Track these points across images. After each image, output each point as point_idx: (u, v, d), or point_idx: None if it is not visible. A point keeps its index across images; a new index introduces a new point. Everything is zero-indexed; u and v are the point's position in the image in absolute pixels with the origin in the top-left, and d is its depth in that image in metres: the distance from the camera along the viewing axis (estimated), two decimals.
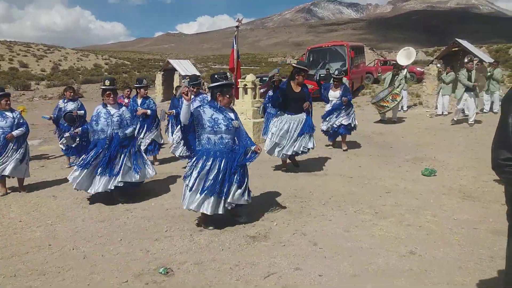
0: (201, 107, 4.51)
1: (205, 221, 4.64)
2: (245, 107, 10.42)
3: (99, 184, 5.43)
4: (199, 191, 4.41)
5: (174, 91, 9.97)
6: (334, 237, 4.29)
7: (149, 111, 7.71)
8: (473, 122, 10.97)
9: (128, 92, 8.81)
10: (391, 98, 11.52)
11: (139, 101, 7.88)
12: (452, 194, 5.56)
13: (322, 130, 8.76)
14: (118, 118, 5.59)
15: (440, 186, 5.92)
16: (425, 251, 3.88)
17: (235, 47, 11.39)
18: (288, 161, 7.11)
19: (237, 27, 11.50)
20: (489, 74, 12.64)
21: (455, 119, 11.44)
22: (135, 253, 4.07)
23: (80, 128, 5.81)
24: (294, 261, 3.78)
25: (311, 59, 20.69)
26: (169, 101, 21.05)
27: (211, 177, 4.38)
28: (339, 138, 8.86)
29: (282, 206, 5.28)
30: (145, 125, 7.75)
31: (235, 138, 4.58)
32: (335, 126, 8.45)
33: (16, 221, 5.09)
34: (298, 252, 3.96)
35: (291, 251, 4.00)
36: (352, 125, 8.45)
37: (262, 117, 10.31)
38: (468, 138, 9.50)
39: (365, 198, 5.53)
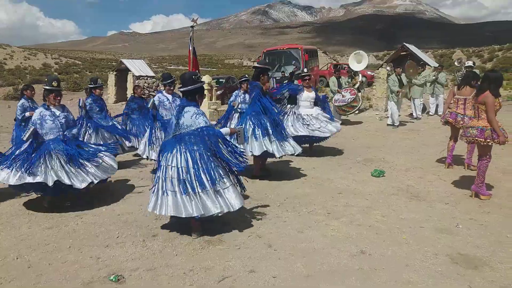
0: (203, 115, 4.42)
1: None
2: (202, 108, 10.35)
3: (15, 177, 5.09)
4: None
5: (132, 91, 9.69)
6: (289, 239, 4.35)
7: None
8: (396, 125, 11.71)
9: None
10: (358, 98, 11.98)
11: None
12: (400, 194, 5.80)
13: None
14: (65, 119, 5.41)
15: (389, 187, 6.15)
16: (374, 250, 4.02)
17: (191, 48, 11.26)
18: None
19: (192, 27, 11.37)
20: (434, 78, 13.30)
21: (396, 123, 11.87)
22: (85, 260, 3.93)
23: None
24: (249, 264, 3.80)
25: (266, 61, 20.92)
26: (122, 102, 20.46)
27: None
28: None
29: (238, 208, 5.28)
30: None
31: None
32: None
33: None
34: (252, 255, 3.98)
35: (246, 253, 4.01)
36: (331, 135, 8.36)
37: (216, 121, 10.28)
38: (415, 140, 9.95)
39: (318, 199, 5.65)
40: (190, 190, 4.19)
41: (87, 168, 5.38)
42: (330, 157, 8.33)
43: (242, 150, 4.75)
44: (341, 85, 12.95)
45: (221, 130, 4.49)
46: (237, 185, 4.55)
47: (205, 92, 10.73)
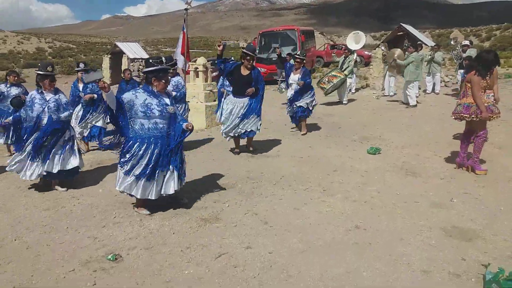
0: (134, 91, 4.37)
1: (140, 206, 4.60)
2: (197, 90, 10.29)
3: (32, 171, 5.23)
4: (131, 175, 4.35)
5: (122, 74, 9.65)
6: (284, 215, 4.39)
7: (95, 95, 7.41)
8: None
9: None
10: (327, 79, 11.83)
11: (81, 86, 7.52)
12: (395, 171, 5.83)
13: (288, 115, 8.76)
14: (55, 103, 5.35)
15: (385, 164, 6.18)
16: (369, 225, 4.06)
17: (185, 30, 11.11)
18: (240, 143, 7.13)
19: (186, 9, 11.23)
20: (430, 57, 13.21)
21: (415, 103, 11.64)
22: (82, 240, 3.96)
23: (11, 118, 5.58)
24: (245, 240, 3.83)
25: (262, 43, 20.75)
26: (117, 85, 20.39)
27: (143, 163, 4.31)
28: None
29: (234, 187, 5.31)
30: (91, 110, 7.47)
31: (170, 123, 4.44)
32: (294, 109, 8.42)
33: None
34: (249, 232, 4.02)
35: (242, 231, 4.05)
36: (310, 108, 8.43)
37: (214, 100, 10.25)
38: (412, 117, 9.94)
39: (314, 176, 5.67)
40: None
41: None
42: (326, 136, 8.32)
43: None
44: (343, 65, 12.86)
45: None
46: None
47: (201, 73, 10.67)
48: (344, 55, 13.19)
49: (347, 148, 7.23)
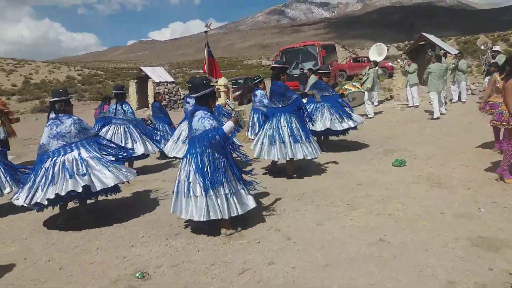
0: (212, 117, 4.42)
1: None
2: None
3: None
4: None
5: (154, 98, 10.04)
6: (307, 231, 4.41)
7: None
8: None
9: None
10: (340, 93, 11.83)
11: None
12: (420, 183, 5.76)
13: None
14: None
15: (409, 176, 6.11)
16: (393, 238, 4.03)
17: (206, 52, 11.39)
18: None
19: (206, 32, 11.55)
20: (453, 65, 13.03)
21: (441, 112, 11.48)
22: (112, 260, 4.09)
23: None
24: (268, 256, 3.88)
25: (284, 59, 20.95)
26: (145, 109, 20.88)
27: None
28: None
29: (257, 203, 5.37)
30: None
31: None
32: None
33: None
34: (272, 248, 4.06)
35: (266, 247, 4.09)
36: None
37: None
38: (438, 128, 9.79)
39: (337, 191, 5.67)
40: (191, 193, 4.32)
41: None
42: (350, 150, 8.30)
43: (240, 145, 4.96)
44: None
45: (223, 127, 4.45)
46: (245, 189, 4.55)
47: (222, 93, 10.89)
48: (368, 67, 13.19)
49: (371, 162, 7.19)
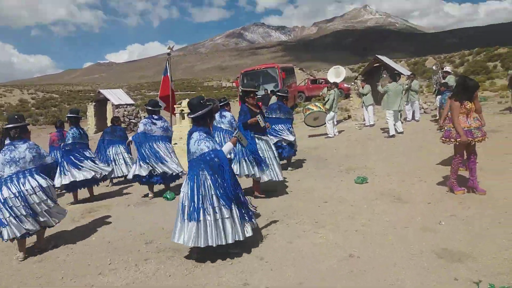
0: (209, 139, 4.32)
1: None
2: (183, 131, 10.43)
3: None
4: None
5: (111, 122, 9.88)
6: (279, 249, 4.44)
7: None
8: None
9: None
10: (303, 111, 12.24)
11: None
12: (383, 199, 5.96)
13: None
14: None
15: (372, 192, 6.32)
16: (362, 253, 4.14)
17: (168, 74, 11.39)
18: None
19: (168, 54, 11.57)
20: (407, 86, 13.71)
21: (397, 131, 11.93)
22: None
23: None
24: (242, 277, 3.87)
25: (245, 81, 21.22)
26: (101, 133, 20.41)
27: None
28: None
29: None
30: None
31: None
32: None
33: None
34: (245, 268, 4.06)
35: (239, 268, 4.09)
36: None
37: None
38: (394, 146, 10.20)
39: (305, 209, 5.77)
40: (186, 217, 4.22)
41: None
42: (313, 168, 8.48)
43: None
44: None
45: (223, 148, 4.37)
46: (243, 216, 4.42)
47: (186, 115, 10.86)
48: (327, 88, 13.60)
49: (334, 179, 7.38)
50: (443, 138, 5.84)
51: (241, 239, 4.30)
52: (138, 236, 5.32)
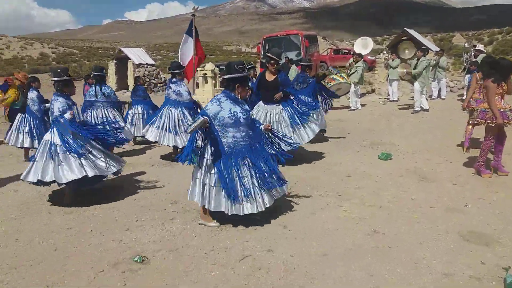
0: (217, 101, 4.15)
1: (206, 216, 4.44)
2: (206, 96, 10.42)
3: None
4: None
5: (135, 81, 9.92)
6: (302, 220, 4.48)
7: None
8: (418, 109, 11.46)
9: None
10: (326, 81, 11.90)
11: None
12: (408, 176, 5.92)
13: None
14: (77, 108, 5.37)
15: (397, 169, 6.27)
16: (388, 230, 4.15)
17: (193, 36, 11.23)
18: None
19: (193, 15, 11.39)
20: (435, 62, 13.33)
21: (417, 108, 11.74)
22: (108, 243, 4.06)
23: None
24: (266, 244, 3.93)
25: (266, 47, 20.87)
26: (124, 91, 20.43)
27: (233, 175, 4.15)
28: None
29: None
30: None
31: (252, 129, 4.36)
32: None
33: None
34: (269, 235, 4.11)
35: (263, 234, 4.14)
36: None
37: None
38: (419, 123, 10.05)
39: (328, 182, 5.77)
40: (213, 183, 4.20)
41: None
42: (336, 141, 8.43)
43: None
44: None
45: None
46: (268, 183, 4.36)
47: (209, 79, 10.80)
48: (352, 59, 13.29)
49: (358, 154, 7.33)
50: (479, 119, 5.70)
51: (268, 206, 4.31)
52: (163, 195, 5.42)
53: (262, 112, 6.57)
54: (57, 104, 5.12)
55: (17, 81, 8.15)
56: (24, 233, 4.36)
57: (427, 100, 11.83)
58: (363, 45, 15.13)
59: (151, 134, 7.15)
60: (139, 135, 8.92)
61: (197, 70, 10.81)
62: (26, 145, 7.60)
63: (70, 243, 4.06)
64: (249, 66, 8.18)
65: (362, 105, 13.26)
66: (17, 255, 3.84)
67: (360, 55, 13.28)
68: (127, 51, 22.16)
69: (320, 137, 8.70)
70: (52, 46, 50.58)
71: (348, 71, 12.82)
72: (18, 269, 3.57)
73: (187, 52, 10.91)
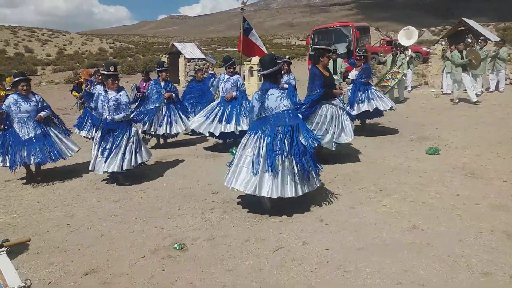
0: (286, 97, 4.49)
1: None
2: (251, 89, 10.53)
3: (101, 166, 5.67)
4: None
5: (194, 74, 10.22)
6: (340, 214, 4.47)
7: (173, 95, 7.97)
8: (475, 100, 11.01)
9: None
10: (390, 76, 11.51)
11: (162, 84, 8.06)
12: (455, 172, 5.70)
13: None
14: (114, 102, 5.66)
15: (444, 164, 6.05)
16: (427, 226, 4.04)
17: (242, 30, 11.31)
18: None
19: (242, 9, 11.49)
20: (494, 53, 12.57)
21: (456, 100, 11.47)
22: (150, 230, 4.27)
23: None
24: (302, 236, 3.97)
25: (316, 39, 20.63)
26: (176, 84, 21.11)
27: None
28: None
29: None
30: (172, 111, 8.01)
31: None
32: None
33: (34, 202, 5.31)
34: (305, 228, 4.14)
35: (298, 226, 4.18)
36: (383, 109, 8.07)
37: None
38: (473, 117, 9.57)
39: (370, 176, 5.68)
40: (259, 168, 4.28)
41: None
42: (382, 136, 8.24)
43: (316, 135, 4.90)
44: (394, 63, 12.61)
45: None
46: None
47: (255, 72, 10.90)
48: (392, 53, 12.87)
49: (404, 149, 7.13)
50: None
51: (308, 190, 4.45)
52: (205, 186, 5.60)
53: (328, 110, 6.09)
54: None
55: (83, 79, 9.03)
56: (75, 219, 4.69)
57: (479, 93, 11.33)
58: (406, 36, 14.48)
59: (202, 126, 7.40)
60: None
61: (244, 64, 10.92)
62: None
63: (115, 230, 4.32)
64: (285, 60, 8.23)
65: (408, 98, 12.81)
66: (68, 239, 4.15)
67: (395, 47, 12.86)
68: (179, 45, 22.75)
69: (364, 132, 8.52)
70: (110, 41, 53.09)
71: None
72: (67, 252, 3.86)
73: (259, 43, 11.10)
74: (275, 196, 4.27)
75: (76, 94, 9.67)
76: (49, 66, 35.20)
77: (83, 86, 8.79)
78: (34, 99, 6.08)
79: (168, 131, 7.90)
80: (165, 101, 7.93)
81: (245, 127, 7.05)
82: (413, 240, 3.77)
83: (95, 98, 5.91)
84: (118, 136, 5.68)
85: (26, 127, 5.94)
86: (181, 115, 8.10)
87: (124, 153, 5.67)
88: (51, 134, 6.11)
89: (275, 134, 4.31)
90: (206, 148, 7.98)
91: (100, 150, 5.68)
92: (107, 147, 5.63)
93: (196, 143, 8.50)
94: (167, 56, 22.86)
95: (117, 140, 5.67)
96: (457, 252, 3.50)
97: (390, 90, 11.62)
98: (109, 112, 5.64)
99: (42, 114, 6.04)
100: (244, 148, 4.50)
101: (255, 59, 10.90)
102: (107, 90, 5.80)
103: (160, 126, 7.84)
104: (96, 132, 6.30)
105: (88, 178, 6.23)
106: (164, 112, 7.91)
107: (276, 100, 4.35)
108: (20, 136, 5.86)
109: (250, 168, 4.33)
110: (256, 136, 4.43)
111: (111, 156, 5.61)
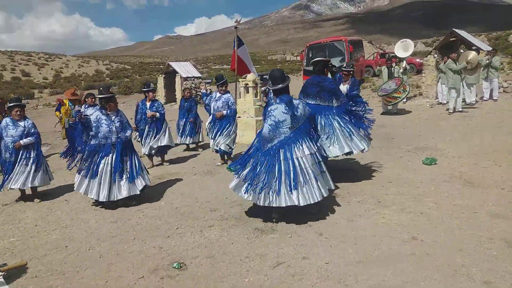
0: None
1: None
2: (247, 105, 10.58)
3: (122, 190, 5.63)
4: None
5: (181, 93, 10.41)
6: (339, 227, 4.46)
7: (157, 114, 7.98)
8: (460, 109, 11.38)
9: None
10: (402, 89, 11.66)
11: (148, 104, 8.10)
12: (452, 181, 5.71)
13: None
14: (119, 123, 5.75)
15: (441, 174, 6.06)
16: (426, 236, 4.04)
17: (235, 48, 11.43)
18: None
19: (235, 27, 11.62)
20: (487, 62, 12.73)
21: (451, 110, 11.60)
22: (149, 250, 4.25)
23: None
24: (301, 251, 3.95)
25: (310, 55, 20.85)
26: (172, 103, 21.17)
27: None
28: None
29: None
30: (155, 128, 8.04)
31: None
32: None
33: (32, 225, 5.28)
34: (304, 242, 4.13)
35: (298, 241, 4.17)
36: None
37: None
38: (468, 126, 9.63)
39: (367, 188, 5.69)
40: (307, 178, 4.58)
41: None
42: (379, 147, 8.26)
43: None
44: (392, 74, 12.75)
45: None
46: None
47: (250, 89, 10.96)
48: (386, 65, 13.04)
49: (401, 159, 7.16)
50: None
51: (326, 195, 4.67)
52: (203, 203, 5.59)
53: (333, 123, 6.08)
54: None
55: (66, 100, 9.06)
56: (73, 241, 4.66)
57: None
58: (403, 48, 14.73)
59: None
60: (186, 142, 9.52)
61: (239, 81, 10.98)
62: None
63: (114, 250, 4.29)
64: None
65: (403, 109, 12.92)
66: (66, 262, 4.11)
67: (388, 58, 13.08)
68: (175, 65, 22.94)
69: None
70: (106, 63, 53.46)
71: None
72: (66, 275, 3.83)
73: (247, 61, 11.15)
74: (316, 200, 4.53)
75: (58, 114, 10.39)
76: (46, 89, 35.37)
77: (65, 107, 8.97)
78: (22, 124, 6.18)
79: (155, 145, 8.02)
80: (148, 121, 8.00)
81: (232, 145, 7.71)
82: (412, 251, 3.77)
83: (94, 124, 5.74)
84: (131, 155, 5.82)
85: (8, 152, 6.16)
86: (167, 130, 8.19)
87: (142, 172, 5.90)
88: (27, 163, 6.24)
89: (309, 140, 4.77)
90: (203, 165, 7.98)
91: (117, 173, 5.59)
92: (125, 168, 5.67)
93: (193, 161, 8.51)
94: (163, 75, 23.01)
95: (131, 158, 5.80)
96: (457, 262, 3.49)
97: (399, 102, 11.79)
98: (117, 134, 5.69)
99: (22, 142, 6.17)
100: (270, 165, 4.58)
101: (250, 76, 10.98)
102: (108, 113, 5.78)
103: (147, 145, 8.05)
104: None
105: (86, 200, 6.20)
106: (147, 132, 8.03)
107: (305, 108, 4.76)
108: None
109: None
110: (285, 150, 4.60)
111: (135, 174, 5.71)
